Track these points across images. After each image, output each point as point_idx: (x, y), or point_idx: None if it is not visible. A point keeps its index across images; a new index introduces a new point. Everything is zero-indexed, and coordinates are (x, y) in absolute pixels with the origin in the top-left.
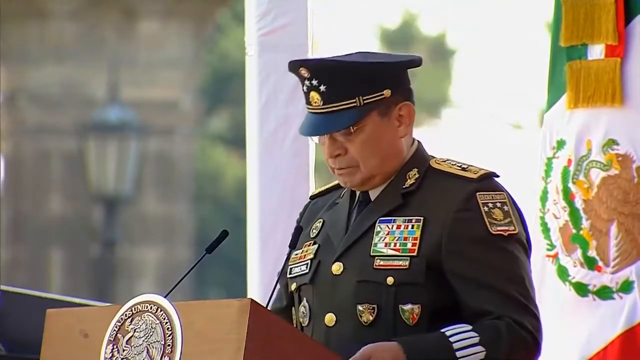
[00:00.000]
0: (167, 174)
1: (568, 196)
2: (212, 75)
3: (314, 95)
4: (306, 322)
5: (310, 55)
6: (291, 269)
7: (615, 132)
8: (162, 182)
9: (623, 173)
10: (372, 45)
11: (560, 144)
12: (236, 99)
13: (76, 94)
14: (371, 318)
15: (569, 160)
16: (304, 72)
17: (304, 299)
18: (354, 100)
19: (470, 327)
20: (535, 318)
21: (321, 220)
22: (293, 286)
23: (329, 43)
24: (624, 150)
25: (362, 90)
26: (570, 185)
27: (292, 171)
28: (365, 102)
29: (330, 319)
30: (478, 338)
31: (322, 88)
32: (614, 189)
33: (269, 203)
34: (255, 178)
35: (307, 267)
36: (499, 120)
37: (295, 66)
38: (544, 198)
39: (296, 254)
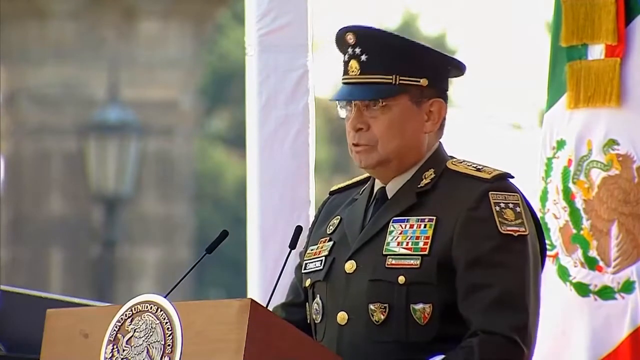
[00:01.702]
0: (167, 174)
1: (568, 196)
2: (212, 75)
3: (353, 63)
4: (319, 319)
5: (310, 56)
6: (306, 264)
7: (615, 132)
8: (162, 182)
9: (623, 173)
10: None
11: (561, 144)
12: (236, 99)
13: (76, 94)
14: (383, 317)
15: (569, 161)
16: (350, 37)
17: (318, 295)
18: (390, 78)
19: (441, 356)
20: (522, 319)
21: (339, 217)
22: (307, 282)
23: (329, 43)
24: (625, 150)
25: (401, 69)
26: (570, 185)
27: (292, 171)
28: (401, 81)
29: (342, 317)
30: None
31: (364, 57)
32: (614, 189)
33: (269, 203)
34: (255, 178)
35: (321, 264)
36: (499, 120)
37: (342, 32)
38: (544, 198)
39: (311, 250)
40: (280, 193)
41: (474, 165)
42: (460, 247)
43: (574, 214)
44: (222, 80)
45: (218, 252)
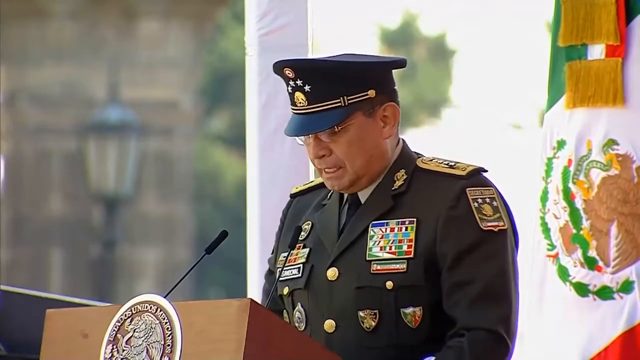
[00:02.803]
0: (167, 174)
1: (568, 196)
2: (212, 75)
3: (298, 95)
4: (302, 327)
5: (310, 56)
6: (280, 271)
7: (615, 132)
8: (162, 182)
9: (623, 173)
10: (372, 45)
11: (561, 144)
12: (236, 99)
13: (76, 94)
14: (373, 323)
15: (569, 160)
16: (288, 72)
17: (298, 304)
18: (339, 100)
19: (432, 358)
20: (506, 311)
21: (309, 222)
22: (285, 290)
23: (329, 43)
24: (624, 150)
25: (347, 90)
26: (570, 185)
27: (292, 171)
28: (349, 102)
29: (330, 325)
30: None
31: (307, 88)
32: (614, 189)
33: (269, 203)
34: (255, 178)
35: (299, 272)
36: (499, 120)
37: (279, 67)
38: (544, 198)
39: (284, 257)
40: (280, 193)
41: (446, 162)
42: (443, 247)
43: (574, 214)
44: (222, 80)
45: (218, 252)
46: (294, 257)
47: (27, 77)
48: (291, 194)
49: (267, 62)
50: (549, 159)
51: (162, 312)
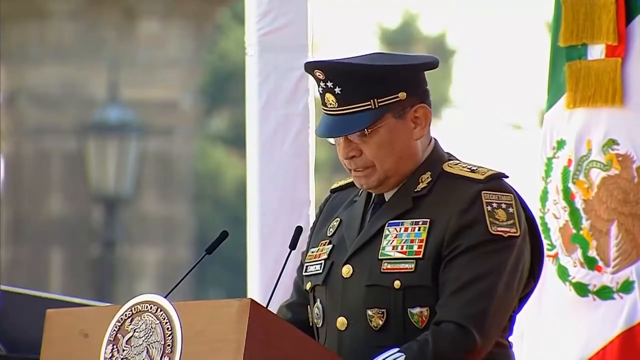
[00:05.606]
0: (167, 174)
1: (568, 196)
2: (212, 75)
3: (329, 96)
4: (320, 324)
5: (310, 56)
6: (306, 267)
7: (615, 132)
8: (162, 182)
9: (623, 173)
10: (372, 45)
11: (561, 144)
12: (236, 99)
13: (76, 94)
14: (381, 323)
15: (569, 160)
16: (318, 74)
17: (318, 299)
18: (369, 103)
19: (396, 349)
20: (481, 308)
21: (338, 219)
22: (308, 285)
23: (329, 43)
24: (624, 150)
25: (377, 92)
26: (570, 185)
27: (292, 171)
28: (380, 104)
29: (342, 322)
30: (404, 356)
31: (337, 90)
32: (614, 189)
33: (269, 203)
34: (255, 178)
35: (321, 268)
36: (499, 120)
37: (310, 68)
38: (544, 198)
39: (312, 252)
40: (280, 193)
41: (469, 167)
42: (448, 248)
43: (574, 214)
44: (222, 80)
45: (218, 252)
46: (319, 252)
47: (27, 77)
48: (331, 189)
49: (267, 62)
50: (549, 159)
51: (162, 312)
